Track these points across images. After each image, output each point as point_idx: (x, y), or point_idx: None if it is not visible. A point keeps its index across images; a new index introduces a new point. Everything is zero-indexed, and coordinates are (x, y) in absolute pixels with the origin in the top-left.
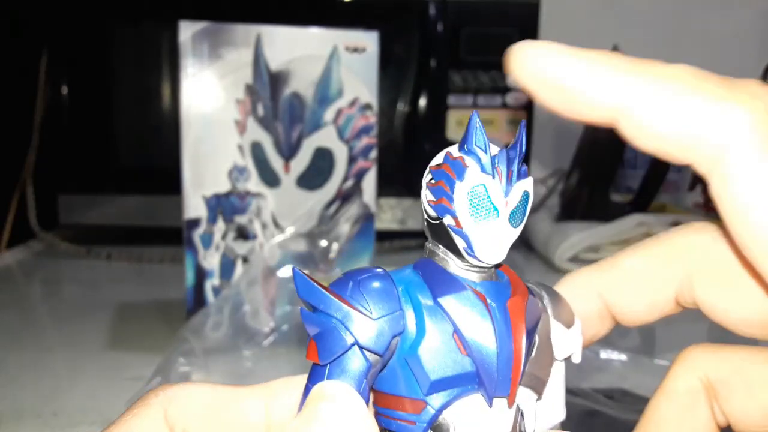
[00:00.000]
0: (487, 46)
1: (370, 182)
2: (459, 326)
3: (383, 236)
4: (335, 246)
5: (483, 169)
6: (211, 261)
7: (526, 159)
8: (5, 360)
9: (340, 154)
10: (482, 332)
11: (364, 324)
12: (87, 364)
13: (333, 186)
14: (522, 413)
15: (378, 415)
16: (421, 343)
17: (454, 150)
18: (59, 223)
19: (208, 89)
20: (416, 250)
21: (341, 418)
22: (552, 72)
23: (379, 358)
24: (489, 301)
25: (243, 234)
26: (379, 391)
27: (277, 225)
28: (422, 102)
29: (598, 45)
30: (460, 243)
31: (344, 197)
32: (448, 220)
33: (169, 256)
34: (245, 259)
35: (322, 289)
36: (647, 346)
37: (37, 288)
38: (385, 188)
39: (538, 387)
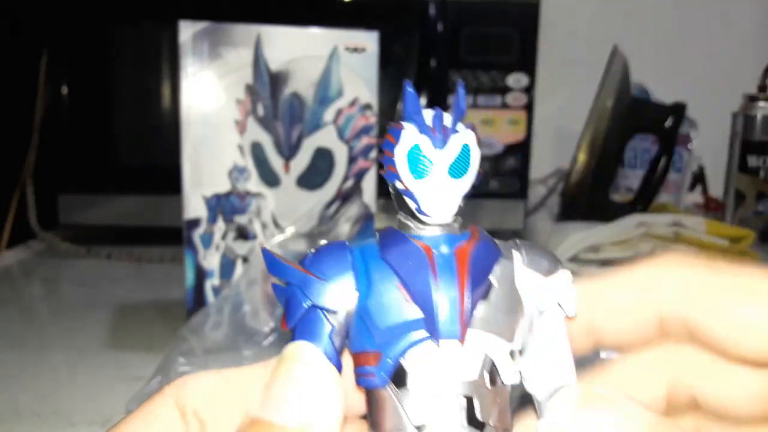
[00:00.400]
0: (487, 46)
1: (370, 182)
2: (402, 276)
3: None
4: None
5: (417, 131)
6: (211, 261)
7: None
8: (5, 359)
9: (340, 154)
10: (422, 279)
11: (317, 287)
12: (87, 363)
13: (333, 186)
14: (493, 361)
15: (356, 377)
16: (369, 297)
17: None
18: (59, 223)
19: (208, 89)
20: None
21: (302, 373)
22: None
23: (341, 320)
24: (434, 250)
25: (243, 234)
26: (352, 353)
27: (277, 225)
28: (422, 102)
29: (598, 45)
30: (411, 204)
31: (344, 197)
32: (398, 185)
33: (169, 256)
34: (245, 259)
35: (285, 262)
36: None
37: (37, 288)
38: (385, 188)
39: (504, 333)
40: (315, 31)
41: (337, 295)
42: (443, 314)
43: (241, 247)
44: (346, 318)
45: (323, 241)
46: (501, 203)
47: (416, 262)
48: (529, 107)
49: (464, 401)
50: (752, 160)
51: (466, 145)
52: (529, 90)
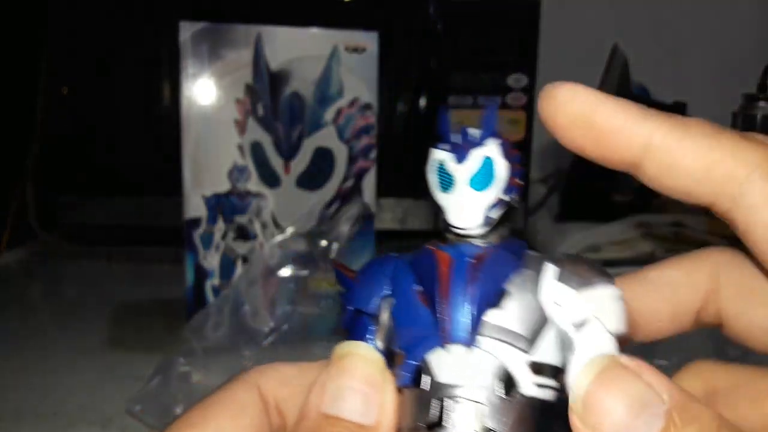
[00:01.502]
0: (487, 46)
1: (370, 182)
2: (422, 283)
3: (383, 236)
4: (335, 246)
5: (440, 147)
6: (211, 261)
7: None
8: (5, 360)
9: (340, 154)
10: (434, 286)
11: (357, 291)
12: (87, 364)
13: (333, 186)
14: (509, 370)
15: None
16: (396, 302)
17: None
18: (59, 223)
19: (208, 89)
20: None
21: (355, 366)
22: (581, 111)
23: (383, 322)
24: (454, 259)
25: (243, 234)
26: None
27: (277, 225)
28: (422, 102)
29: (598, 45)
30: (444, 216)
31: (344, 197)
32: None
33: (169, 256)
34: (245, 259)
35: (342, 271)
36: (646, 346)
37: (37, 288)
38: (385, 188)
39: (518, 341)
40: (315, 31)
41: (373, 299)
42: (450, 319)
43: (241, 247)
44: (389, 321)
45: (323, 242)
46: None
47: (431, 269)
48: (529, 107)
49: (479, 408)
50: None
51: (488, 158)
52: (529, 90)
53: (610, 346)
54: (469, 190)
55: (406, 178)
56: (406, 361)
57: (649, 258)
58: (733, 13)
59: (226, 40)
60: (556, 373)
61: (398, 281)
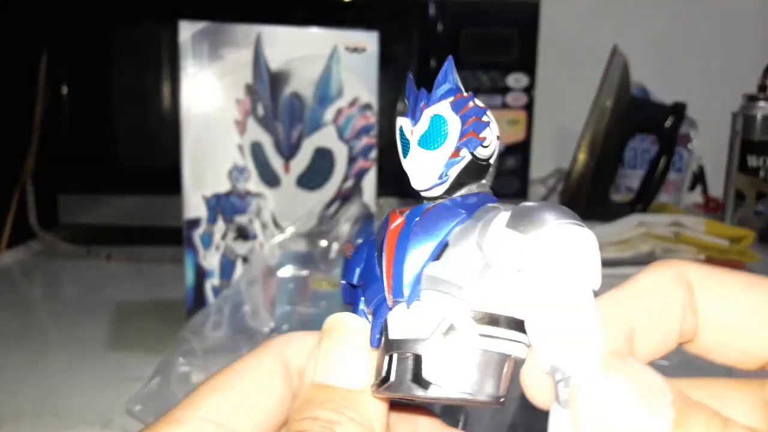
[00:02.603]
0: (487, 46)
1: (370, 182)
2: (377, 244)
3: None
4: (335, 246)
5: (403, 114)
6: (211, 261)
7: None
8: (5, 360)
9: (340, 154)
10: (380, 247)
11: (345, 267)
12: (87, 364)
13: (333, 186)
14: (451, 321)
15: None
16: (362, 268)
17: None
18: (59, 223)
19: (208, 89)
20: None
21: (343, 337)
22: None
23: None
24: (404, 219)
25: (243, 234)
26: None
27: (277, 225)
28: None
29: (598, 45)
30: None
31: (344, 197)
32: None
33: (169, 256)
34: (245, 259)
35: (346, 254)
36: None
37: (37, 288)
38: (385, 188)
39: (455, 291)
40: (315, 31)
41: (355, 270)
42: (390, 278)
43: (241, 247)
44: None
45: (323, 242)
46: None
47: (383, 232)
48: (529, 107)
49: (419, 360)
50: (752, 160)
51: (436, 115)
52: (529, 90)
53: (559, 293)
54: (419, 150)
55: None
56: (373, 322)
57: (649, 258)
58: (733, 13)
59: (226, 40)
60: (519, 325)
61: (367, 249)
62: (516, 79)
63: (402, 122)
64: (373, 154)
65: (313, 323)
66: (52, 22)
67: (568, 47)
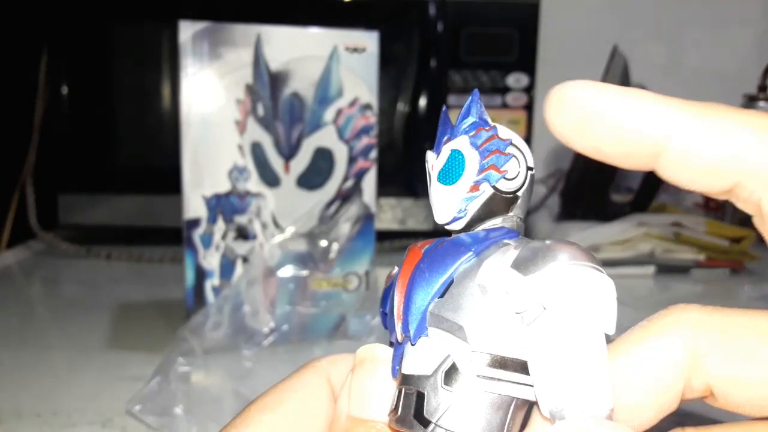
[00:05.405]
0: (487, 46)
1: (370, 182)
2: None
3: (383, 236)
4: (335, 246)
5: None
6: (211, 261)
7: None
8: (5, 359)
9: (340, 154)
10: (395, 281)
11: (383, 296)
12: (87, 364)
13: (333, 186)
14: (454, 361)
15: None
16: (386, 302)
17: None
18: (59, 223)
19: (208, 89)
20: None
21: (373, 370)
22: (592, 107)
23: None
24: (422, 252)
25: (243, 234)
26: None
27: (277, 225)
28: (422, 102)
29: (598, 45)
30: None
31: (344, 197)
32: None
33: (169, 256)
34: (245, 259)
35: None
36: None
37: (37, 288)
38: (385, 188)
39: (455, 330)
40: (315, 31)
41: (387, 300)
42: (399, 314)
43: (241, 247)
44: None
45: (323, 242)
46: None
47: (401, 265)
48: (529, 107)
49: (421, 397)
50: None
51: (455, 150)
52: (529, 90)
53: (560, 340)
54: (438, 185)
55: (406, 178)
56: (393, 354)
57: (649, 258)
58: (733, 13)
59: (226, 40)
60: (525, 367)
61: (392, 281)
62: (516, 79)
63: (428, 156)
64: (373, 154)
65: (313, 323)
66: (52, 22)
67: (568, 47)
